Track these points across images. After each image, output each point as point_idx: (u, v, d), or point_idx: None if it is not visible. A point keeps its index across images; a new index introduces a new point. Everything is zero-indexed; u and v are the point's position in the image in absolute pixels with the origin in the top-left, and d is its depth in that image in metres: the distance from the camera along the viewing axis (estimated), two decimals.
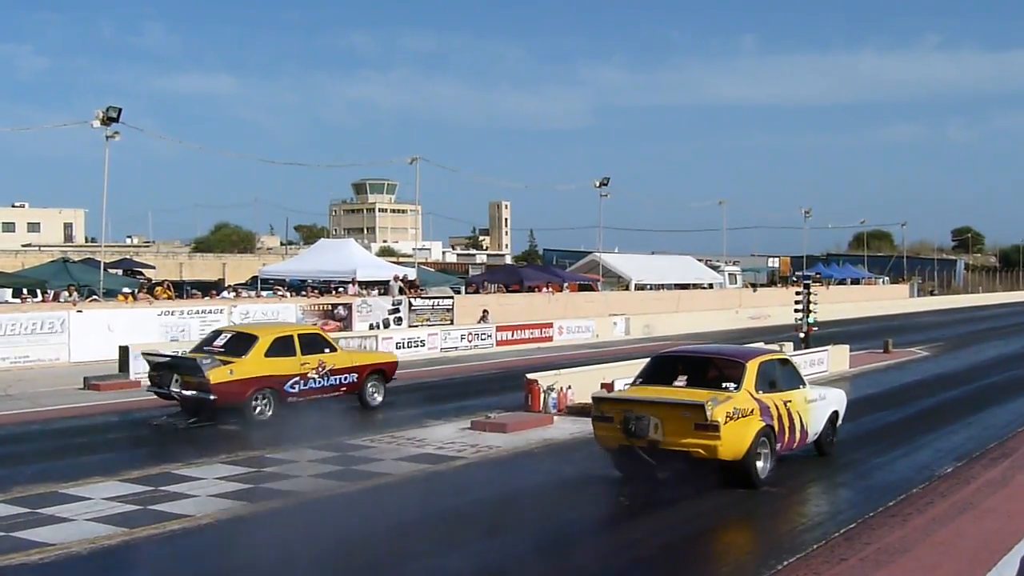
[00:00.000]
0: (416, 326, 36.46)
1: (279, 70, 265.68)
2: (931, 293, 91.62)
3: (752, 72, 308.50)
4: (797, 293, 30.88)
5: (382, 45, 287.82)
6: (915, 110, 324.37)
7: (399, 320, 36.58)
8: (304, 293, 38.72)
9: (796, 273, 72.29)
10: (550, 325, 39.62)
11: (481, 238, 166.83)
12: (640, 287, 57.16)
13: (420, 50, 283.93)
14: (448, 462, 14.46)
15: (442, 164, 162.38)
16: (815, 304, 30.58)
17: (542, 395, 19.43)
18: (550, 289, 48.74)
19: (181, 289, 38.92)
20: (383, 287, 40.32)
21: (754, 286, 67.58)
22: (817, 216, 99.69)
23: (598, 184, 51.71)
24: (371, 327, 35.07)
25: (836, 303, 57.90)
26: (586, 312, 44.31)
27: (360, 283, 40.11)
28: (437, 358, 33.01)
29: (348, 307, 35.63)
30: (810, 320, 30.42)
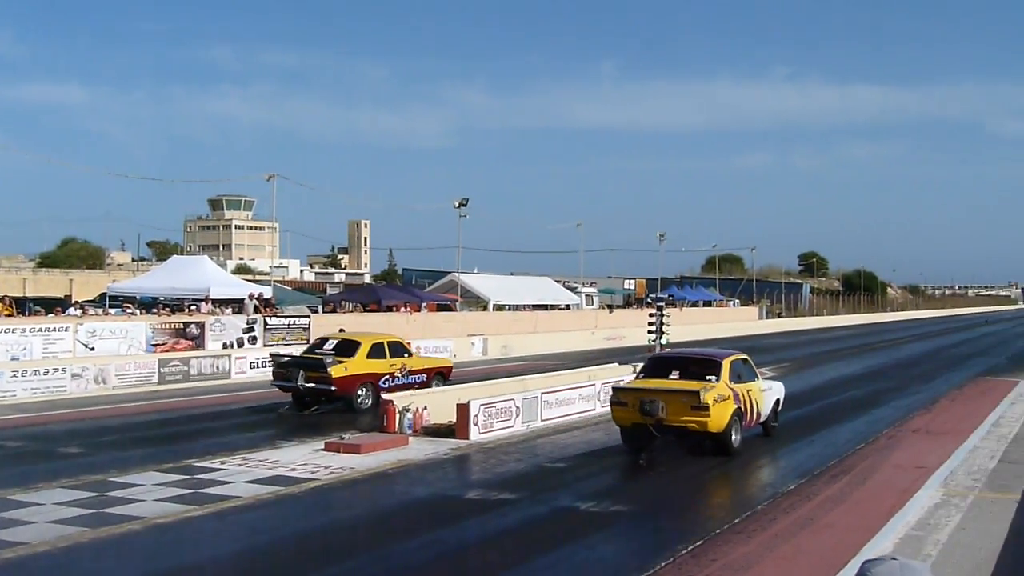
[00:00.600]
0: (271, 345, 35.37)
1: (133, 82, 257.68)
2: (779, 315, 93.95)
3: (611, 97, 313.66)
4: (651, 315, 31.60)
5: (242, 59, 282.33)
6: (765, 139, 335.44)
7: (253, 339, 35.58)
8: (155, 311, 37.49)
9: (651, 295, 73.72)
10: (408, 345, 41.53)
11: (340, 257, 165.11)
12: (498, 308, 57.65)
13: (281, 66, 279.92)
14: (300, 484, 14.20)
15: (301, 181, 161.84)
16: (668, 325, 31.13)
17: (398, 416, 19.31)
18: (408, 309, 48.53)
19: (23, 306, 37.39)
20: (238, 305, 39.50)
21: (610, 307, 68.48)
22: (672, 240, 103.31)
23: (458, 204, 52.34)
24: (224, 346, 34.23)
25: (689, 324, 59.03)
26: (444, 332, 44.25)
27: (214, 301, 39.25)
28: None
29: (200, 326, 34.58)
30: (663, 341, 30.91)
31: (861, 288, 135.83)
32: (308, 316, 40.30)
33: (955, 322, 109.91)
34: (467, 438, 18.56)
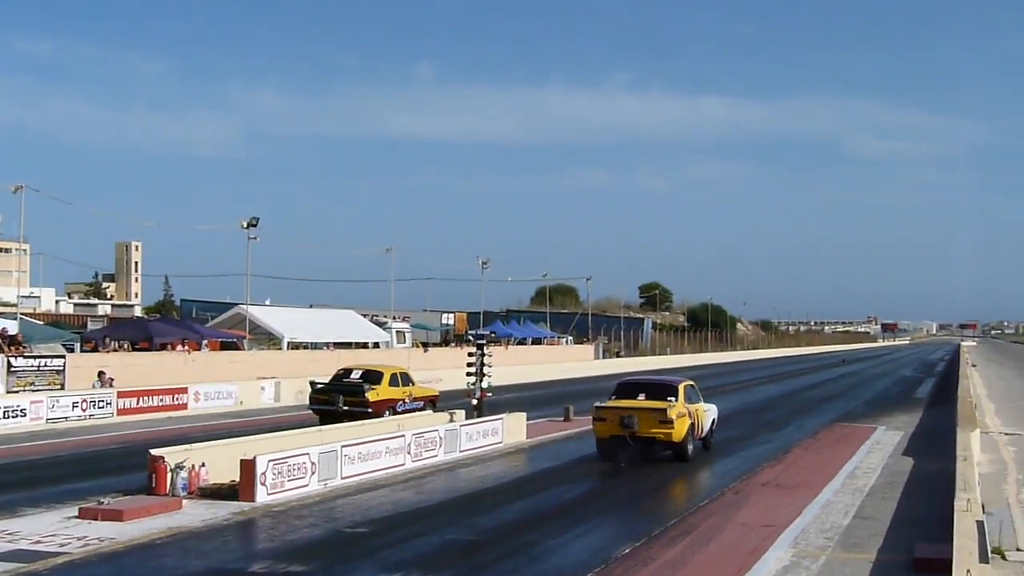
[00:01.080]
0: (16, 391, 33.87)
1: None
2: (617, 354, 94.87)
3: (428, 103, 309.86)
4: (470, 355, 31.28)
5: None
6: (603, 154, 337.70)
7: None
8: None
9: (470, 331, 71.90)
10: (184, 390, 38.58)
11: (105, 285, 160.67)
12: (294, 346, 56.93)
13: (34, 56, 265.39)
14: (46, 560, 13.44)
15: (57, 195, 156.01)
16: (490, 367, 30.95)
17: (169, 475, 18.73)
18: (186, 347, 47.41)
19: None
20: None
21: (425, 345, 67.94)
22: (497, 268, 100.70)
23: (246, 224, 50.30)
24: None
25: (515, 365, 59.51)
26: (229, 375, 43.06)
27: None
28: (42, 431, 31.05)
29: None
30: (484, 385, 30.77)
31: (708, 324, 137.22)
32: (63, 356, 38.62)
33: (810, 361, 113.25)
34: (252, 500, 18.11)
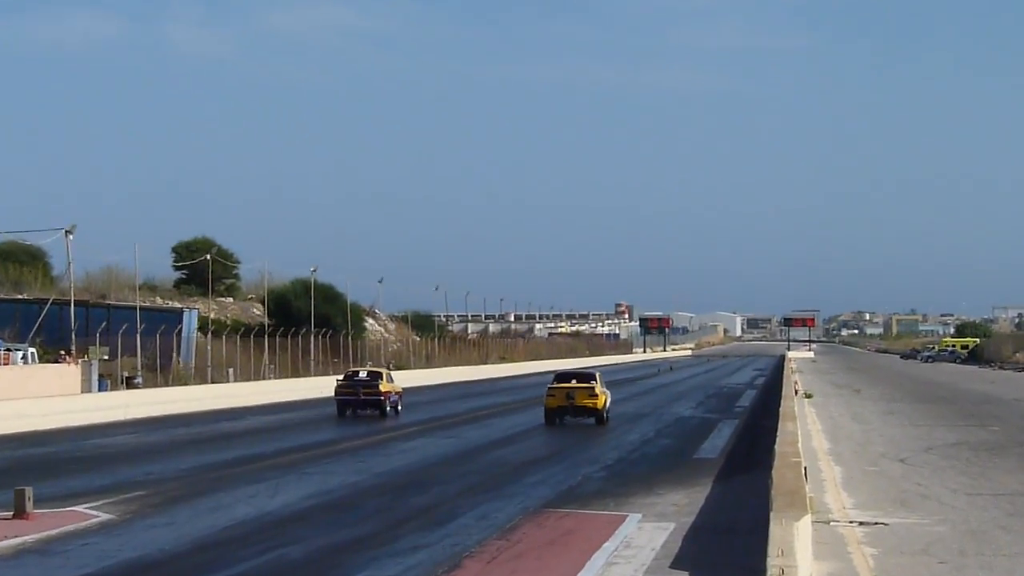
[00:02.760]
0: None
1: None
2: (130, 381, 54.13)
3: None
4: None
5: None
6: None
7: None
8: None
9: None
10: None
11: None
12: None
13: None
14: None
15: None
16: None
17: None
18: None
19: None
20: None
21: None
22: None
23: None
24: None
25: None
26: None
27: None
28: None
29: None
30: None
31: (312, 319, 78.31)
32: None
33: (505, 393, 70.43)
34: None
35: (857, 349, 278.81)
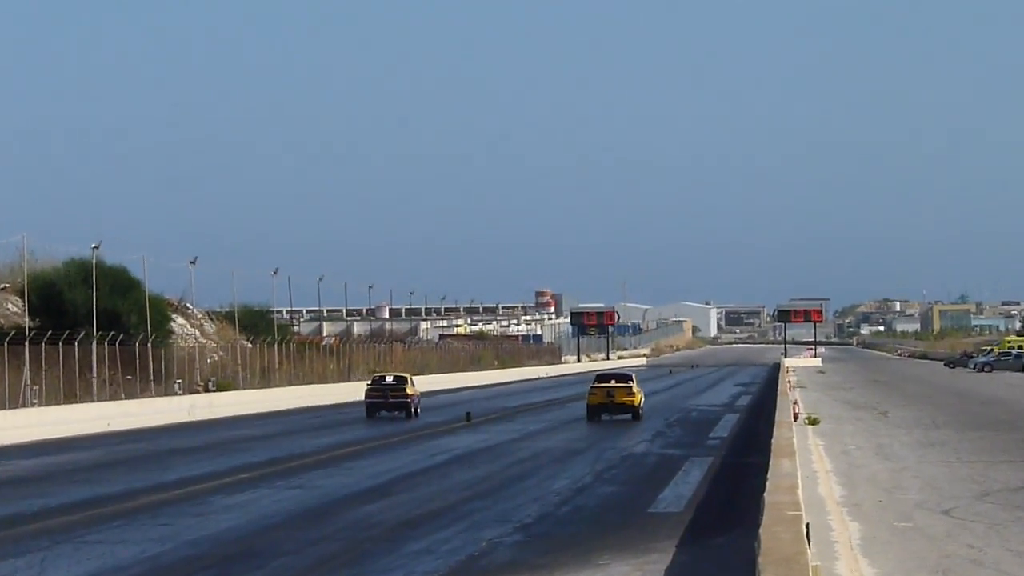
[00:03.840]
0: None
1: None
2: None
3: None
4: None
5: None
6: None
7: None
8: None
9: None
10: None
11: None
12: None
13: None
14: None
15: None
16: None
17: None
18: None
19: None
20: None
21: None
22: None
23: None
24: None
25: None
26: None
27: None
28: None
29: None
30: None
31: (95, 323, 74.48)
32: None
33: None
34: None
35: (883, 353, 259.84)
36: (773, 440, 37.47)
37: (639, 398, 66.15)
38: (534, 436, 55.45)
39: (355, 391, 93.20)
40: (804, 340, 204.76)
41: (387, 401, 70.87)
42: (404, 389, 70.95)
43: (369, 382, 74.98)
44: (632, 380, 68.10)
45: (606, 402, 66.08)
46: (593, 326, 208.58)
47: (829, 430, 56.13)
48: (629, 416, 65.73)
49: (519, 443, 55.67)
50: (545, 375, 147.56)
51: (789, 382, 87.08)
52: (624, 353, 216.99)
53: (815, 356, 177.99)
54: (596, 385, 68.39)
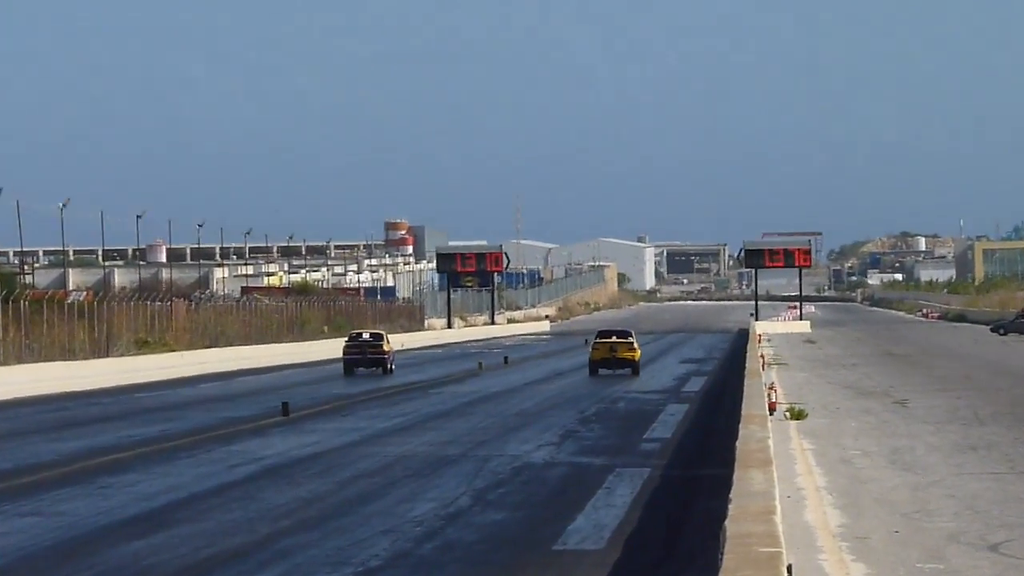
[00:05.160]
0: None
1: None
2: None
3: None
4: None
5: None
6: None
7: None
8: None
9: None
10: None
11: None
12: None
13: None
14: None
15: None
16: None
17: None
18: None
19: None
20: None
21: None
22: None
23: None
24: None
25: None
26: None
27: None
28: None
29: None
30: None
31: None
32: None
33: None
34: None
35: (900, 313, 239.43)
36: (739, 442, 37.48)
37: (639, 354, 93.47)
38: (383, 438, 51.72)
39: (116, 370, 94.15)
40: (784, 295, 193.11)
41: (365, 357, 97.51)
42: (381, 346, 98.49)
43: (346, 339, 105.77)
44: (632, 336, 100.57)
45: (609, 357, 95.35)
46: (471, 274, 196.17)
47: (822, 428, 56.21)
48: (629, 371, 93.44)
49: (361, 448, 55.37)
50: (400, 346, 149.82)
51: (763, 357, 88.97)
52: (517, 314, 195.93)
53: (801, 318, 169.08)
54: (599, 340, 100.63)
